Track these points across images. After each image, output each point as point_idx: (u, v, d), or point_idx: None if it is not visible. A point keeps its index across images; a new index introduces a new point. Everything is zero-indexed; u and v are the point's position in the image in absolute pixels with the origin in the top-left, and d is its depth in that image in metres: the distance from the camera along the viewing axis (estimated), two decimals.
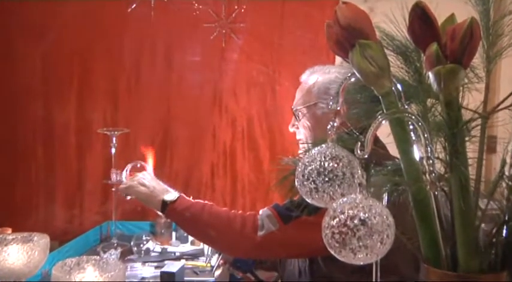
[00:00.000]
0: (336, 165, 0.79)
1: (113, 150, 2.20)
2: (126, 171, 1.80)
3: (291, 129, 1.71)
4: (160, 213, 1.63)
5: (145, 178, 1.68)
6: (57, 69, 2.79)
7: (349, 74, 0.84)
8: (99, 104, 2.79)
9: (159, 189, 1.64)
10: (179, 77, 2.76)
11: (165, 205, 1.59)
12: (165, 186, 1.67)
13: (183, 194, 1.63)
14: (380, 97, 0.77)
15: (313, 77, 1.65)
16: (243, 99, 2.73)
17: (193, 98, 2.74)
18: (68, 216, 2.78)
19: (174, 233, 2.39)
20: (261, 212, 1.55)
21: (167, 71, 2.76)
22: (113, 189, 2.21)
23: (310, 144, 1.52)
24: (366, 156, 0.70)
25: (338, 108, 0.86)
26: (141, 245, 2.19)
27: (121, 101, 2.78)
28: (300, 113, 1.65)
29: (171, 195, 1.61)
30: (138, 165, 1.83)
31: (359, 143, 0.71)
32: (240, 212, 1.58)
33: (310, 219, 1.42)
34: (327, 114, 1.58)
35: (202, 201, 1.61)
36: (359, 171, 0.71)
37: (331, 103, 0.88)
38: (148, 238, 2.24)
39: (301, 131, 1.67)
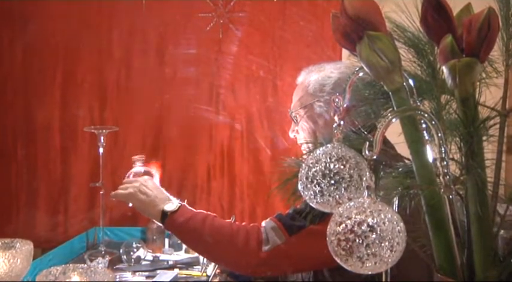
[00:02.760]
0: (342, 166, 0.79)
1: (101, 150, 2.20)
2: (129, 177, 1.81)
3: (292, 135, 1.73)
4: (159, 224, 1.64)
5: (147, 185, 1.68)
6: (39, 62, 2.79)
7: (357, 69, 0.85)
8: (85, 100, 2.79)
9: (160, 198, 1.65)
10: (172, 71, 2.76)
11: (164, 216, 1.60)
12: (167, 194, 1.68)
13: (185, 204, 1.64)
14: (390, 93, 0.78)
15: (308, 77, 1.67)
16: (242, 96, 2.73)
17: (188, 94, 2.75)
18: (51, 221, 2.78)
19: (167, 240, 2.39)
20: (264, 223, 1.56)
21: (159, 65, 2.76)
22: (101, 192, 2.22)
23: (313, 145, 1.53)
24: (375, 157, 0.71)
25: (345, 105, 0.87)
26: (131, 253, 2.19)
27: (109, 96, 2.79)
28: (297, 116, 1.67)
29: (172, 205, 1.62)
30: (143, 171, 1.84)
31: (367, 143, 0.71)
32: (243, 223, 1.59)
33: (316, 228, 1.43)
34: (325, 113, 1.60)
35: (204, 211, 1.62)
36: (367, 173, 0.71)
37: (336, 100, 0.88)
38: (138, 245, 2.24)
39: (300, 134, 1.69)
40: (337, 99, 0.89)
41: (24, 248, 1.24)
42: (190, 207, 1.64)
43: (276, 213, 1.57)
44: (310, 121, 1.65)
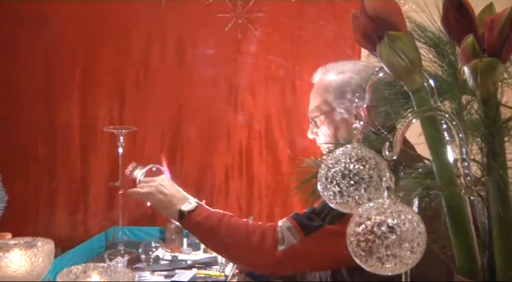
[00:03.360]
0: (362, 167, 0.79)
1: (120, 150, 2.22)
2: (142, 175, 1.82)
3: (311, 136, 1.72)
4: (177, 223, 1.66)
5: (164, 184, 1.70)
6: (59, 62, 2.82)
7: (377, 69, 0.85)
8: (105, 101, 2.82)
9: (178, 197, 1.66)
10: (191, 71, 2.77)
11: (182, 215, 1.62)
12: (183, 193, 1.69)
13: (202, 203, 1.66)
14: (410, 93, 0.77)
15: (326, 79, 1.65)
16: (261, 96, 2.73)
17: (207, 95, 2.76)
18: (71, 220, 2.81)
19: (185, 240, 2.40)
20: (280, 223, 1.56)
21: (178, 66, 2.77)
22: (120, 191, 2.23)
23: (333, 145, 1.52)
24: (395, 157, 0.70)
25: (365, 106, 0.87)
26: (150, 253, 2.20)
27: (128, 97, 2.81)
28: (317, 121, 1.66)
29: (189, 204, 1.63)
30: (154, 169, 1.85)
31: (387, 143, 0.71)
32: (260, 223, 1.59)
33: (333, 228, 1.43)
34: (347, 119, 1.59)
35: (221, 211, 1.63)
36: (387, 173, 0.71)
37: (356, 101, 0.88)
38: (157, 245, 2.25)
39: (321, 137, 1.68)
40: (356, 100, 0.89)
41: (46, 246, 1.25)
42: (207, 207, 1.65)
43: (293, 213, 1.57)
44: (332, 127, 1.64)
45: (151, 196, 1.69)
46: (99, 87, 2.81)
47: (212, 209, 1.64)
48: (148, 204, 1.72)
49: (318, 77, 1.70)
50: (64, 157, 2.83)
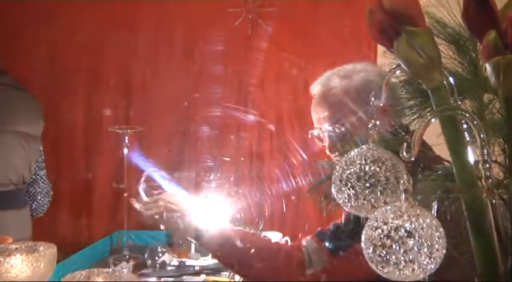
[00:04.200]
0: (378, 168, 0.79)
1: (125, 151, 2.23)
2: (142, 183, 1.76)
3: (320, 144, 1.68)
4: (194, 242, 1.62)
5: (173, 201, 1.63)
6: (64, 60, 2.84)
7: (394, 66, 0.84)
8: (110, 100, 2.83)
9: (191, 212, 1.61)
10: (200, 69, 2.78)
11: (199, 234, 1.58)
12: (196, 204, 1.63)
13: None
14: (429, 92, 0.77)
15: (331, 89, 1.60)
16: (272, 94, 2.74)
17: (216, 93, 2.76)
18: (74, 224, 2.83)
19: (193, 245, 2.41)
20: (304, 242, 1.54)
21: (186, 63, 2.79)
22: (125, 194, 2.24)
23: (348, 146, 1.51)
24: (413, 158, 0.70)
25: (381, 105, 0.87)
26: (156, 258, 2.21)
27: (135, 96, 2.82)
28: (325, 135, 1.61)
29: (205, 221, 1.60)
30: (153, 175, 1.83)
31: (405, 144, 0.71)
32: (283, 241, 1.57)
33: (360, 246, 1.41)
34: (361, 127, 1.55)
35: (242, 229, 1.61)
36: (405, 175, 0.71)
37: (372, 100, 0.88)
38: (164, 250, 2.26)
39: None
40: (372, 99, 0.89)
41: (48, 251, 1.26)
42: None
43: (317, 230, 1.55)
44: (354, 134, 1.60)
45: (160, 220, 1.63)
46: (104, 85, 2.83)
47: (232, 226, 1.60)
48: (162, 227, 1.68)
49: (316, 88, 1.65)
50: (68, 158, 2.85)
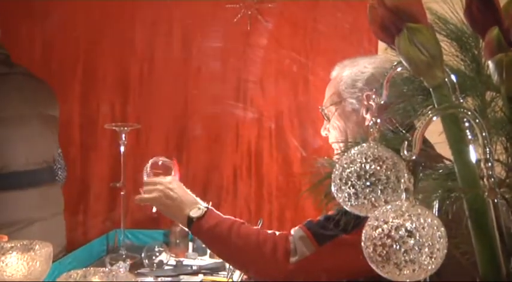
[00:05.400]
0: (378, 167, 0.79)
1: (122, 149, 2.23)
2: (146, 169, 1.83)
3: (324, 133, 1.73)
4: (186, 229, 1.67)
5: (172, 187, 1.70)
6: (58, 56, 2.84)
7: (395, 63, 0.85)
8: (106, 96, 2.83)
9: (186, 201, 1.68)
10: (198, 65, 2.78)
11: (190, 221, 1.63)
12: (193, 197, 1.70)
13: (212, 208, 1.66)
14: (431, 90, 0.77)
15: (341, 72, 1.67)
16: (271, 92, 2.74)
17: (214, 90, 2.76)
18: (70, 223, 2.82)
19: (190, 244, 2.41)
20: (292, 232, 1.55)
21: (184, 59, 2.78)
22: (122, 192, 2.24)
23: (348, 144, 1.53)
24: (414, 157, 0.70)
25: (382, 102, 0.87)
26: (153, 257, 2.21)
27: (131, 92, 2.82)
28: (329, 113, 1.67)
29: (198, 210, 1.64)
30: (160, 163, 1.85)
31: (406, 143, 0.71)
32: (271, 232, 1.59)
33: (350, 237, 1.42)
34: (357, 111, 1.60)
35: (231, 218, 1.64)
36: (405, 174, 0.71)
37: (373, 97, 0.88)
38: (161, 249, 2.26)
39: (331, 133, 1.69)
40: (373, 96, 0.89)
41: (44, 250, 1.26)
42: (217, 212, 1.65)
43: (306, 220, 1.57)
44: (341, 119, 1.65)
45: (158, 201, 1.70)
46: (100, 82, 2.83)
47: (222, 215, 1.64)
48: (155, 209, 1.73)
49: (335, 72, 1.71)
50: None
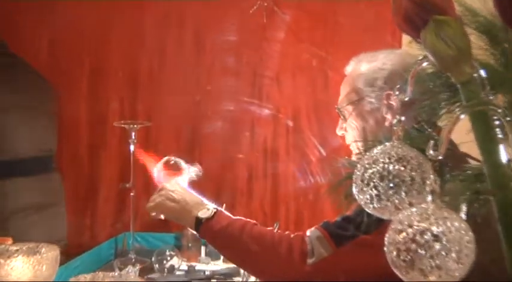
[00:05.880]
0: (402, 168, 0.79)
1: (132, 148, 2.24)
2: (157, 170, 1.83)
3: (339, 133, 1.73)
4: (194, 232, 1.66)
5: (174, 190, 1.71)
6: (66, 50, 2.86)
7: (420, 58, 0.84)
8: (115, 92, 2.85)
9: (192, 202, 1.67)
10: (211, 60, 2.79)
11: (199, 223, 1.62)
12: (199, 197, 1.70)
13: (221, 209, 1.66)
14: (458, 86, 0.77)
15: (358, 68, 1.66)
16: (289, 87, 2.73)
17: (228, 86, 2.77)
18: (77, 225, 2.85)
19: (203, 248, 2.42)
20: (308, 232, 1.55)
21: (197, 53, 2.79)
22: (132, 194, 2.25)
23: (363, 145, 1.52)
24: (440, 157, 0.70)
25: (406, 99, 0.87)
26: (164, 262, 2.22)
27: (142, 88, 2.83)
28: (345, 112, 1.66)
29: (207, 211, 1.64)
30: (172, 162, 1.86)
31: (432, 142, 0.71)
32: (286, 232, 1.59)
33: (369, 238, 1.42)
34: (376, 110, 1.59)
35: (243, 218, 1.64)
36: (431, 175, 0.71)
37: (397, 93, 0.88)
38: (172, 253, 2.27)
39: (349, 133, 1.68)
40: (396, 92, 0.89)
41: (50, 253, 1.27)
42: (227, 213, 1.65)
43: (323, 221, 1.57)
44: (359, 119, 1.64)
45: (161, 207, 1.69)
46: (109, 77, 2.84)
47: (233, 216, 1.64)
48: (162, 217, 1.73)
49: (350, 68, 1.71)
50: (70, 155, 2.86)
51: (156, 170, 1.84)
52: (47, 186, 2.45)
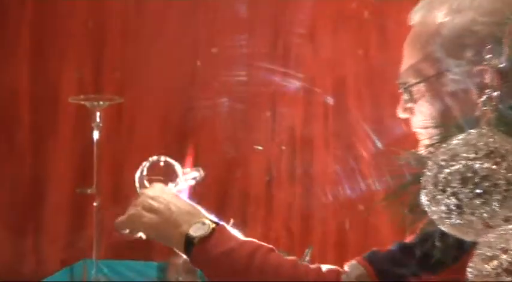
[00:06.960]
0: (494, 166, 0.80)
1: (96, 135, 2.24)
2: (142, 173, 1.82)
3: (403, 116, 1.72)
4: (183, 255, 1.66)
5: (155, 196, 1.67)
6: None
7: None
8: (71, 58, 2.86)
9: (181, 212, 1.65)
10: (213, 9, 2.79)
11: (190, 243, 1.61)
12: (192, 205, 1.68)
13: (224, 224, 1.66)
14: None
15: (432, 20, 1.64)
16: (328, 50, 2.74)
17: (239, 47, 2.77)
18: (16, 248, 2.87)
19: None
20: (347, 268, 1.56)
21: (196, 2, 2.79)
22: (95, 203, 2.27)
23: (440, 133, 1.53)
24: None
25: (501, 65, 0.87)
26: None
27: (110, 51, 2.84)
28: (413, 90, 1.65)
29: (201, 225, 1.63)
30: (162, 163, 1.87)
31: None
32: (315, 266, 1.60)
33: (433, 280, 1.43)
34: (465, 91, 1.57)
35: (254, 240, 1.64)
36: None
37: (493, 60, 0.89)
38: None
39: (417, 116, 1.68)
40: (488, 56, 0.89)
41: None
42: (233, 231, 1.65)
43: (369, 251, 1.58)
44: (438, 102, 1.63)
45: (135, 221, 1.66)
46: (62, 36, 2.85)
47: (239, 237, 1.64)
48: (141, 236, 1.70)
49: (417, 16, 1.69)
50: (7, 145, 2.88)
51: (138, 175, 1.83)
52: None
